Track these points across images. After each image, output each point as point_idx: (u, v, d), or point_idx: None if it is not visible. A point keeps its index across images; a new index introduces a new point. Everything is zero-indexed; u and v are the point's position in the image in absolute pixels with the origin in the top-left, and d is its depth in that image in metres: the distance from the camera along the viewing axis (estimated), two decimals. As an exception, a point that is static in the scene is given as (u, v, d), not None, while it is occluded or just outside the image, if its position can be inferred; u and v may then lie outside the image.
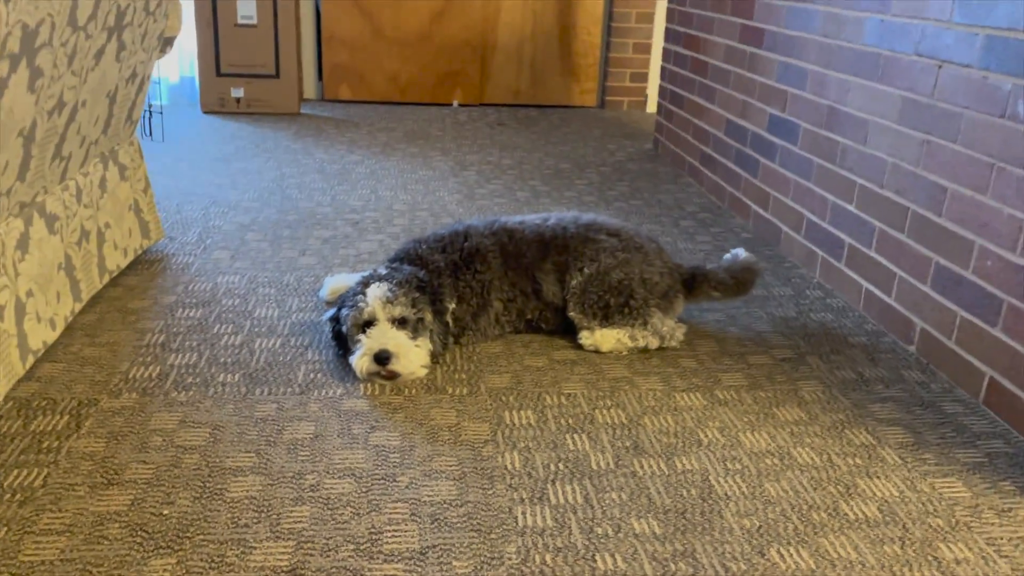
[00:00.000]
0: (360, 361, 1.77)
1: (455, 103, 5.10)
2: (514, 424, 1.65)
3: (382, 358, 1.75)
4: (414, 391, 1.77)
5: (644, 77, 5.23)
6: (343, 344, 1.87)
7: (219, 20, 4.44)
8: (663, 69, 3.97)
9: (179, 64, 4.81)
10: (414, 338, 1.79)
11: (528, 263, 2.01)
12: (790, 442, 1.62)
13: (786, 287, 2.42)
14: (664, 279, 1.98)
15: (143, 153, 2.45)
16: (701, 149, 3.50)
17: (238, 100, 4.56)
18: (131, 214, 2.32)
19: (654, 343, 1.95)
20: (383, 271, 1.90)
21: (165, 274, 2.34)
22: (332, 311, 1.91)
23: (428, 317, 1.84)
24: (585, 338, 1.96)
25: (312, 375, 1.81)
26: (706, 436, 1.63)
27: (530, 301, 2.03)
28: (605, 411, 1.71)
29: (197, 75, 4.54)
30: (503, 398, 1.75)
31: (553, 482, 1.46)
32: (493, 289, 1.99)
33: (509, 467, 1.50)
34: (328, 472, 1.46)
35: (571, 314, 1.98)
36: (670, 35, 3.90)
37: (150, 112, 4.01)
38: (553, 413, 1.70)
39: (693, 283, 2.04)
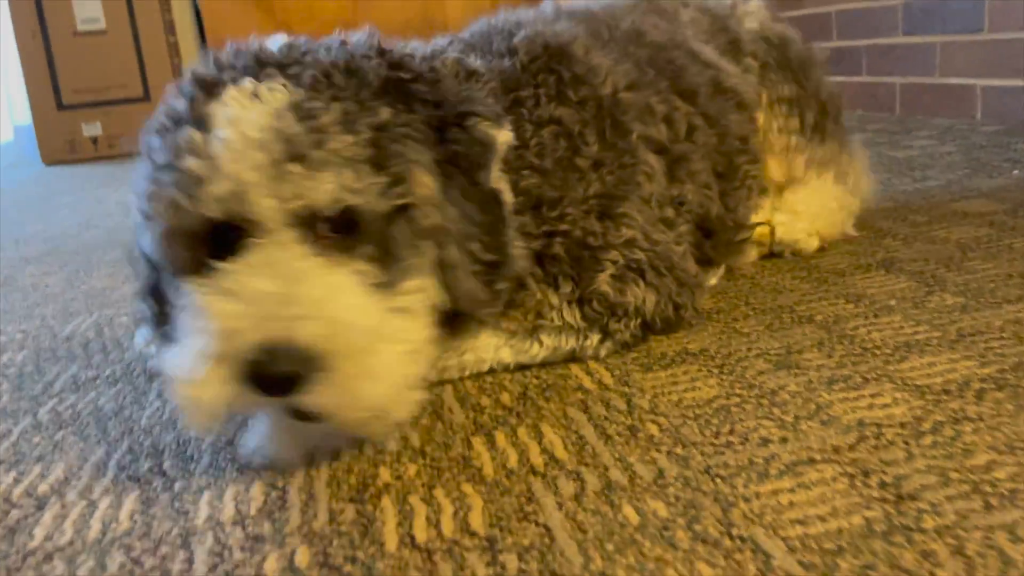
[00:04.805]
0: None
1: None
2: None
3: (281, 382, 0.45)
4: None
5: None
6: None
7: (49, 29, 3.06)
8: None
9: (8, 111, 3.39)
10: (387, 283, 0.54)
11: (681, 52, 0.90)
12: None
13: None
14: None
15: None
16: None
17: (95, 140, 3.16)
18: None
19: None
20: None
21: None
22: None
23: (428, 184, 0.52)
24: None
25: None
26: None
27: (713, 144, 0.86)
28: None
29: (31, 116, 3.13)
30: None
31: None
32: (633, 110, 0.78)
33: None
34: None
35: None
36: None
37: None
38: None
39: None
